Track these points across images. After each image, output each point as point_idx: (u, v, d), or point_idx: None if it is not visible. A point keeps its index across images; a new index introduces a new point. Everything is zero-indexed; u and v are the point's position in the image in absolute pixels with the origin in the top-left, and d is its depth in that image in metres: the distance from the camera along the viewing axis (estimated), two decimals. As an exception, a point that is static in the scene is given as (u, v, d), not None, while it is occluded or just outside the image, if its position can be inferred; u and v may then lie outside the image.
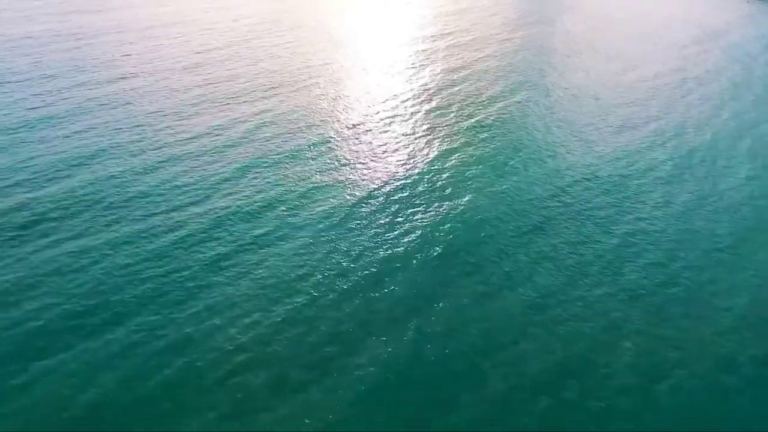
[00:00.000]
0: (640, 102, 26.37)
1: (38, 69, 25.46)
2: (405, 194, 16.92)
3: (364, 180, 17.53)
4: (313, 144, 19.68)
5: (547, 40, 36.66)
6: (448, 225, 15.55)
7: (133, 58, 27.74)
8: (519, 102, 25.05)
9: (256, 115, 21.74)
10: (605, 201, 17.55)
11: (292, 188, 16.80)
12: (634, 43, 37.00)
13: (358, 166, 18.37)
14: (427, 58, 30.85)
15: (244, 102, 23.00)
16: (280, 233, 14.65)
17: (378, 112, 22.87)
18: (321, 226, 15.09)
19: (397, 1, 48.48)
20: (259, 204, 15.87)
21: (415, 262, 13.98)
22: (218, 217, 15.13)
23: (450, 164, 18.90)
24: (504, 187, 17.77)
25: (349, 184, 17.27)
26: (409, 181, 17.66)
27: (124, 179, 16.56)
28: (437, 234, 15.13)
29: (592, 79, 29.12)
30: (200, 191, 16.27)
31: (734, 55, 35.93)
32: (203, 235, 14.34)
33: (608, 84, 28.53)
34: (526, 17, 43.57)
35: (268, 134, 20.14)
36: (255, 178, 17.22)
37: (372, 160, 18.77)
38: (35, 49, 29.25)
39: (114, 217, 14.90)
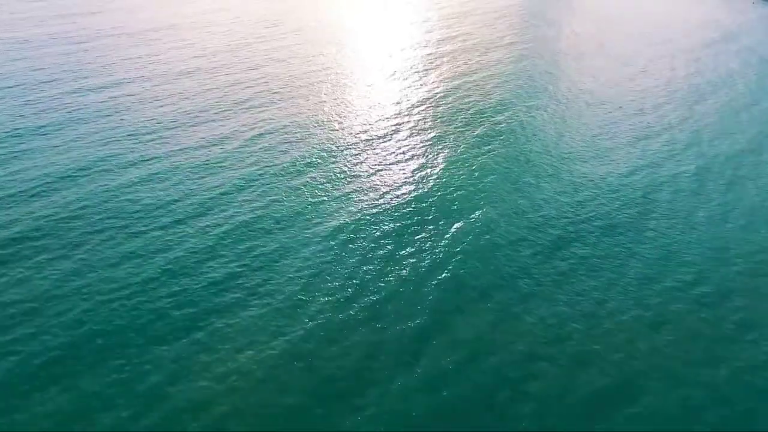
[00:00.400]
0: (653, 109, 25.49)
1: (32, 75, 24.73)
2: (410, 210, 16.09)
3: (367, 195, 16.71)
4: (314, 156, 18.88)
5: (554, 43, 35.80)
6: (457, 244, 14.72)
7: (130, 63, 27.00)
8: (528, 109, 24.20)
9: (255, 124, 20.95)
10: (623, 216, 16.67)
11: (292, 204, 15.99)
12: (642, 46, 36.09)
13: (361, 179, 17.55)
14: (431, 63, 30.03)
15: (243, 110, 22.22)
16: (278, 254, 13.83)
17: (381, 121, 22.06)
18: (321, 246, 14.28)
19: (397, 1, 47.69)
20: (256, 221, 15.07)
21: (422, 285, 13.14)
22: (213, 236, 14.32)
23: (457, 177, 18.06)
24: (515, 202, 16.91)
25: (351, 199, 16.46)
26: (414, 195, 16.83)
27: (113, 195, 15.77)
28: (445, 254, 14.29)
29: (603, 84, 28.26)
30: (194, 208, 15.47)
31: (747, 59, 34.99)
32: (195, 256, 13.53)
33: (619, 90, 27.66)
34: (531, 19, 42.70)
35: (266, 145, 19.34)
36: (253, 192, 16.42)
37: (375, 174, 17.95)
38: (30, 52, 28.55)
39: (101, 237, 14.10)
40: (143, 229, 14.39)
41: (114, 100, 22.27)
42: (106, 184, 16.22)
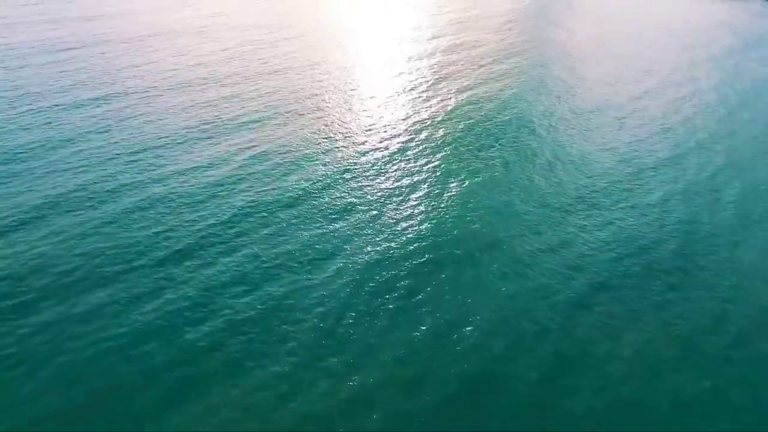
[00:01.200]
0: (680, 123, 23.60)
1: (9, 87, 22.97)
2: (421, 247, 14.21)
3: (373, 229, 14.81)
4: (312, 182, 17.03)
5: (566, 49, 33.93)
6: (480, 292, 12.86)
7: (118, 74, 25.22)
8: (546, 125, 22.34)
9: (249, 144, 19.11)
10: (664, 254, 14.69)
11: (289, 240, 14.13)
12: (659, 53, 34.25)
13: (366, 210, 15.68)
14: (438, 73, 28.20)
15: (237, 127, 20.39)
16: (272, 305, 11.99)
17: (387, 140, 20.21)
18: (322, 293, 12.43)
19: (397, 3, 46.03)
20: (248, 263, 13.22)
21: (444, 347, 11.28)
22: (197, 282, 12.49)
23: (473, 209, 16.18)
24: (538, 239, 15.04)
25: (356, 234, 14.59)
26: (425, 229, 14.95)
27: (88, 230, 13.93)
28: (468, 307, 12.43)
29: (623, 95, 26.40)
30: (177, 246, 13.62)
31: (773, 67, 33.13)
32: (174, 307, 11.69)
33: (642, 102, 25.79)
34: (538, 23, 40.90)
35: (260, 169, 17.50)
36: (244, 227, 14.57)
37: (381, 204, 16.04)
38: (12, 62, 26.85)
39: (71, 279, 12.30)
40: (120, 270, 12.58)
41: (96, 117, 20.49)
42: (80, 217, 14.42)
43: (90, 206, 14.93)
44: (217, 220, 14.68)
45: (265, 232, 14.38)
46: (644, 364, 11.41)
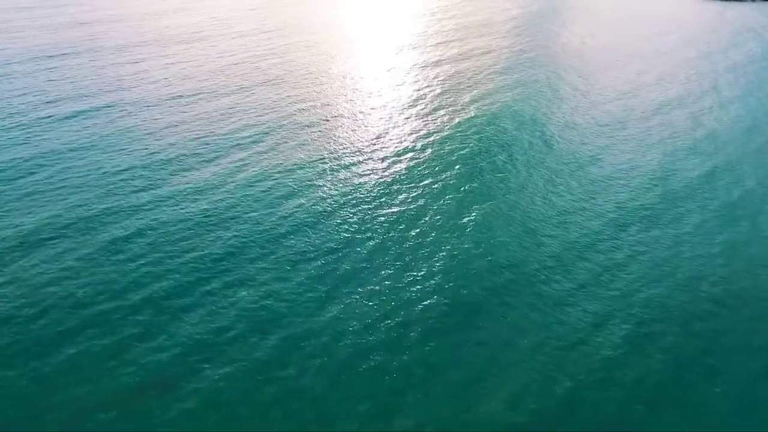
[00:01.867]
0: (705, 138, 22.04)
1: (-9, 99, 21.66)
2: (433, 283, 12.72)
3: (379, 269, 13.25)
4: (313, 207, 15.56)
5: (581, 57, 32.39)
6: (499, 343, 11.36)
7: (105, 85, 23.84)
8: (565, 142, 20.82)
9: (245, 164, 17.67)
10: (713, 290, 13.21)
11: (286, 280, 12.64)
12: (675, 59, 32.67)
13: (372, 241, 14.17)
14: (446, 85, 26.73)
15: (232, 145, 18.95)
16: (263, 357, 10.53)
17: (392, 157, 18.75)
18: (321, 341, 10.95)
19: (397, 5, 44.67)
20: (244, 305, 11.75)
21: (460, 413, 9.81)
22: (188, 328, 11.02)
23: (492, 240, 14.66)
24: (568, 277, 13.51)
25: (360, 275, 13.07)
26: (436, 263, 13.45)
27: (61, 270, 12.50)
28: (486, 363, 10.95)
29: (645, 109, 24.86)
30: (164, 283, 12.18)
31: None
32: (161, 358, 10.24)
33: (665, 117, 24.25)
34: (552, 29, 39.42)
35: (256, 193, 16.04)
36: (240, 261, 13.10)
37: (387, 236, 14.50)
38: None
39: (38, 326, 10.90)
40: (94, 314, 11.13)
41: (79, 132, 19.10)
42: (54, 250, 12.99)
43: (65, 237, 13.50)
44: (205, 253, 13.21)
45: (257, 267, 12.89)
46: (694, 420, 9.89)
